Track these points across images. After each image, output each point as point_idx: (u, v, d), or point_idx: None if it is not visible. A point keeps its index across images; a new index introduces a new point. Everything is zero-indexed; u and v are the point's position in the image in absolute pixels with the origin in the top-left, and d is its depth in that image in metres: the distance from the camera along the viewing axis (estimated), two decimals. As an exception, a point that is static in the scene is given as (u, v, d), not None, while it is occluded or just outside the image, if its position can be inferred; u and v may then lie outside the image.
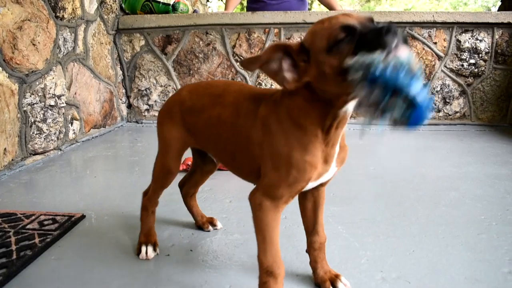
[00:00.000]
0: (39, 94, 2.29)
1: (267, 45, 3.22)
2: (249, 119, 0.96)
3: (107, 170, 2.15)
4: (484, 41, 3.14)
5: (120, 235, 1.36)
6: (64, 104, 2.54)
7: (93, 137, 2.89)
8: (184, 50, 3.33)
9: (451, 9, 13.36)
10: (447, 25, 3.14)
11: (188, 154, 1.32)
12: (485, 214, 1.52)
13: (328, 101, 0.80)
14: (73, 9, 2.62)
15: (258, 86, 3.33)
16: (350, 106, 0.79)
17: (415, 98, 0.63)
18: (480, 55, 3.17)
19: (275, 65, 0.81)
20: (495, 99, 3.25)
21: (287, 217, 1.45)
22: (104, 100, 3.09)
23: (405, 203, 1.64)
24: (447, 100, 3.28)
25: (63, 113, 2.53)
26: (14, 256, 1.19)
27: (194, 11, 3.85)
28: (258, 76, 3.32)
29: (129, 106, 3.49)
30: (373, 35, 0.68)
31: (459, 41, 3.16)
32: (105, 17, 3.11)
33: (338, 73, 0.72)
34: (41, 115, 2.31)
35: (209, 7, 6.88)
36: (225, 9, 3.48)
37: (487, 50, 3.16)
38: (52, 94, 2.40)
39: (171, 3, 3.34)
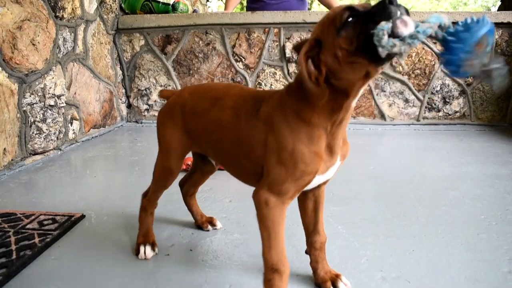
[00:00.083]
0: (39, 94, 2.28)
1: (266, 45, 3.23)
2: (250, 121, 0.96)
3: (107, 170, 2.15)
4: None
5: (120, 235, 1.36)
6: (64, 104, 2.54)
7: (93, 137, 2.89)
8: (184, 50, 3.33)
9: (451, 9, 13.37)
10: (447, 25, 3.13)
11: (188, 154, 1.32)
12: (485, 214, 1.52)
13: (342, 92, 0.82)
14: (72, 9, 2.61)
15: (258, 85, 3.33)
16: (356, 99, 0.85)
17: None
18: (480, 55, 3.16)
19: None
20: (494, 99, 3.25)
21: (287, 216, 1.44)
22: (104, 100, 3.09)
23: (405, 203, 1.64)
24: (447, 100, 3.28)
25: (62, 113, 2.53)
26: (14, 256, 1.19)
27: (194, 11, 3.85)
28: (258, 76, 3.32)
29: (129, 106, 3.49)
30: (377, 9, 0.71)
31: (459, 41, 3.15)
32: (105, 17, 3.11)
33: (350, 54, 0.74)
34: (41, 115, 2.31)
35: (208, 7, 6.88)
36: (225, 9, 3.47)
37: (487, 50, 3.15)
38: (52, 94, 2.40)
39: (171, 3, 3.33)
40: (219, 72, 3.34)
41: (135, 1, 3.31)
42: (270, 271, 0.91)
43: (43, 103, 2.32)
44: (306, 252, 1.08)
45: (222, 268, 1.15)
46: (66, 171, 2.12)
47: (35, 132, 2.26)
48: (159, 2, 3.32)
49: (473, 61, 0.69)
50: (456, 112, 3.31)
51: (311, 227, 1.06)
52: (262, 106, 0.94)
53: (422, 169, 2.10)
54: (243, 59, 3.30)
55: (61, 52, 2.51)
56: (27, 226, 1.39)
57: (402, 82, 3.26)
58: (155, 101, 3.43)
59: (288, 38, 3.23)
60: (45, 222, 1.42)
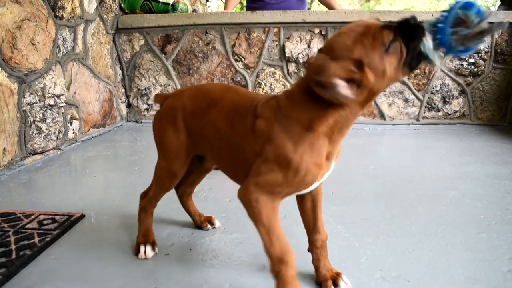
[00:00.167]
0: (39, 93, 2.28)
1: (266, 45, 3.23)
2: (243, 130, 0.96)
3: (106, 170, 2.15)
4: (484, 40, 3.13)
5: (120, 235, 1.36)
6: (64, 104, 2.54)
7: (92, 137, 2.89)
8: (184, 50, 3.32)
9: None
10: (447, 25, 3.13)
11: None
12: (485, 214, 1.52)
13: (363, 101, 0.84)
14: (72, 9, 2.61)
15: (257, 85, 3.32)
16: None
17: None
18: (480, 54, 3.17)
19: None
20: (494, 98, 3.25)
21: (287, 216, 1.45)
22: (103, 100, 3.09)
23: (405, 202, 1.64)
24: (447, 100, 3.28)
25: (62, 113, 2.53)
26: (14, 256, 1.19)
27: (194, 10, 3.85)
28: (257, 76, 3.32)
29: (129, 105, 3.49)
30: (413, 26, 0.80)
31: (459, 41, 3.15)
32: (105, 16, 3.10)
33: (398, 69, 0.81)
34: (41, 115, 2.31)
35: (208, 6, 6.88)
36: (225, 8, 3.47)
37: (487, 50, 3.16)
38: (52, 94, 2.40)
39: (171, 2, 3.33)
40: (219, 72, 3.34)
41: (135, 0, 3.31)
42: (277, 264, 0.91)
43: (42, 102, 2.32)
44: (309, 250, 1.08)
45: (222, 267, 1.15)
46: (66, 171, 2.12)
47: (34, 132, 2.26)
48: (158, 1, 3.31)
49: (462, 34, 0.80)
50: (456, 111, 3.31)
51: (311, 226, 1.06)
52: (257, 116, 0.93)
53: (422, 169, 2.10)
54: (243, 59, 3.30)
55: (61, 52, 2.51)
56: (27, 226, 1.39)
57: (402, 82, 3.26)
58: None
59: (288, 38, 3.23)
60: (45, 222, 1.42)
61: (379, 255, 1.21)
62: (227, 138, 1.00)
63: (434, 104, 3.30)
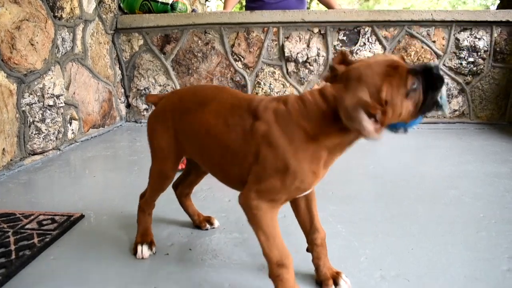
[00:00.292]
0: (38, 94, 2.28)
1: (265, 45, 3.23)
2: (241, 131, 0.96)
3: (106, 170, 2.15)
4: (483, 39, 3.14)
5: (119, 235, 1.36)
6: (63, 104, 2.54)
7: (92, 137, 2.88)
8: (183, 50, 3.32)
9: (449, 7, 13.39)
10: (446, 24, 3.14)
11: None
12: (485, 213, 1.52)
13: None
14: (71, 9, 2.61)
15: (257, 84, 3.32)
16: None
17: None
18: (479, 53, 3.17)
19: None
20: (494, 97, 3.25)
21: (286, 216, 1.44)
22: (103, 100, 3.09)
23: (405, 202, 1.64)
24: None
25: (61, 113, 2.53)
26: (13, 256, 1.19)
27: (193, 10, 3.85)
28: (257, 75, 3.32)
29: (128, 105, 3.49)
30: (434, 77, 0.83)
31: (458, 40, 3.16)
32: (104, 16, 3.10)
33: (411, 113, 0.85)
34: (40, 115, 2.31)
35: (207, 6, 6.88)
36: (224, 8, 3.47)
37: (486, 49, 3.16)
38: (51, 94, 2.40)
39: (170, 2, 3.33)
40: (218, 72, 3.34)
41: (134, 0, 3.31)
42: (276, 268, 0.92)
43: (42, 103, 2.32)
44: (308, 250, 1.09)
45: (221, 267, 1.15)
46: (65, 171, 2.11)
47: (34, 132, 2.26)
48: (157, 1, 3.31)
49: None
50: (455, 110, 3.31)
51: (308, 225, 1.06)
52: (257, 118, 0.94)
53: (422, 168, 2.10)
54: (242, 59, 3.30)
55: (60, 52, 2.51)
56: (26, 226, 1.39)
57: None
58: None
59: (287, 38, 3.23)
60: (44, 222, 1.42)
61: (379, 255, 1.21)
62: (220, 139, 1.00)
63: (434, 103, 3.29)
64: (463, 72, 3.22)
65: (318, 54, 3.25)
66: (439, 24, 3.14)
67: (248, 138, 0.94)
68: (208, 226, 1.39)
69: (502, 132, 3.00)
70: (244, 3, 3.72)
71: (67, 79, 2.60)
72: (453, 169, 2.07)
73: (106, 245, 1.29)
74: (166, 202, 1.51)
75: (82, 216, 1.50)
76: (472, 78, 3.23)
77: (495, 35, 3.13)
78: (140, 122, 3.45)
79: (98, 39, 3.03)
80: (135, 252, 1.21)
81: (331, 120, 0.86)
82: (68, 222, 1.42)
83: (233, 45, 3.29)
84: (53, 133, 2.44)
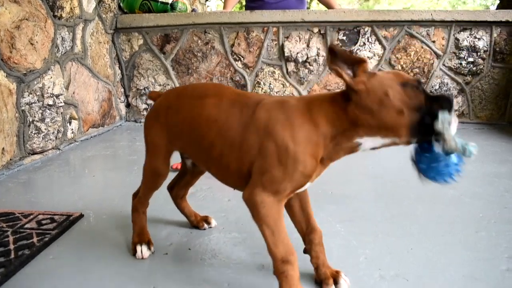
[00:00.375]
0: (37, 93, 2.28)
1: (265, 44, 3.23)
2: (243, 124, 0.97)
3: (105, 170, 2.15)
4: (483, 39, 3.14)
5: (119, 234, 1.36)
6: (63, 104, 2.54)
7: (91, 137, 2.88)
8: (183, 49, 3.32)
9: (449, 7, 13.39)
10: (446, 24, 3.14)
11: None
12: (484, 212, 1.52)
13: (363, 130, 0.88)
14: (71, 8, 2.61)
15: (256, 84, 3.32)
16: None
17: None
18: (479, 53, 3.17)
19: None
20: (493, 97, 3.25)
21: (285, 215, 1.44)
22: (102, 100, 3.09)
23: (404, 202, 1.64)
24: (446, 99, 3.27)
25: (61, 113, 2.53)
26: (12, 256, 1.18)
27: (193, 10, 3.85)
28: (256, 75, 3.32)
29: (128, 105, 3.48)
30: (444, 96, 0.85)
31: (458, 40, 3.16)
32: (103, 16, 3.10)
33: (407, 120, 0.83)
34: (40, 115, 2.31)
35: (207, 6, 6.87)
36: (224, 8, 3.47)
37: (486, 49, 3.16)
38: (51, 94, 2.40)
39: (169, 2, 3.33)
40: (218, 72, 3.34)
41: (134, 0, 3.31)
42: (282, 264, 0.92)
43: (41, 102, 2.32)
44: (305, 252, 1.08)
45: (221, 266, 1.15)
46: (65, 171, 2.11)
47: (33, 132, 2.26)
48: (157, 1, 3.31)
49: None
50: (455, 110, 3.30)
51: (304, 226, 1.07)
52: (257, 112, 0.95)
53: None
54: (242, 58, 3.30)
55: (60, 52, 2.51)
56: (26, 226, 1.39)
57: (401, 81, 3.26)
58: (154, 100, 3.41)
59: (287, 37, 3.23)
60: (44, 222, 1.42)
61: (378, 254, 1.21)
62: (219, 133, 1.00)
63: (433, 103, 3.29)
64: (462, 72, 3.22)
65: (318, 54, 3.25)
66: (438, 24, 3.14)
67: (249, 130, 0.95)
68: (205, 225, 1.39)
69: (501, 132, 3.00)
70: (244, 3, 3.72)
71: (67, 78, 2.60)
72: (452, 169, 2.07)
73: (105, 245, 1.29)
74: (165, 202, 1.51)
75: (81, 216, 1.50)
76: (471, 78, 3.23)
77: (495, 35, 3.13)
78: (140, 122, 3.45)
79: (98, 38, 3.03)
80: (134, 252, 1.21)
81: (338, 108, 0.89)
82: (68, 222, 1.42)
83: (233, 45, 3.29)
84: (53, 133, 2.44)
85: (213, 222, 1.40)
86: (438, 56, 3.21)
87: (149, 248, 1.22)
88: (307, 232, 1.06)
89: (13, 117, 2.09)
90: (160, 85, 3.40)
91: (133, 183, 1.88)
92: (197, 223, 1.39)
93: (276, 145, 0.89)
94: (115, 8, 3.26)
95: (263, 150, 0.91)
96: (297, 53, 3.25)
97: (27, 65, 2.19)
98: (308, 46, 3.24)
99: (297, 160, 0.88)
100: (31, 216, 1.46)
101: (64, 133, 2.57)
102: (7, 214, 1.48)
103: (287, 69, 3.29)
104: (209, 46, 3.30)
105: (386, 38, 3.20)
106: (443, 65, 3.22)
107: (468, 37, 3.15)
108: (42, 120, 2.33)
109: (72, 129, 2.66)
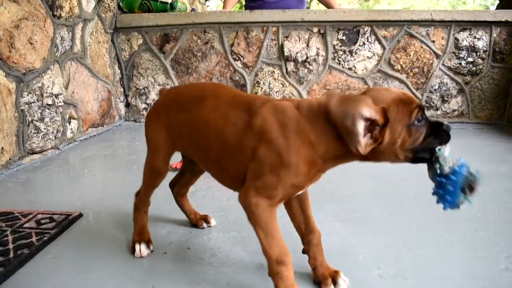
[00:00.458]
0: (37, 93, 2.28)
1: (265, 44, 3.23)
2: (240, 128, 0.97)
3: (105, 169, 2.15)
4: (482, 39, 3.14)
5: (118, 234, 1.36)
6: (62, 103, 2.54)
7: (91, 136, 2.88)
8: (182, 49, 3.32)
9: (449, 7, 13.39)
10: (445, 24, 3.14)
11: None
12: (482, 212, 1.52)
13: (363, 156, 0.86)
14: (70, 8, 2.61)
15: (256, 84, 3.32)
16: None
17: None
18: (478, 53, 3.17)
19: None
20: (493, 97, 3.25)
21: (284, 215, 1.45)
22: (102, 99, 3.09)
23: (403, 201, 1.64)
24: (445, 99, 3.28)
25: (60, 112, 2.53)
26: (11, 255, 1.19)
27: (192, 9, 3.85)
28: (256, 75, 3.32)
29: (127, 105, 3.49)
30: (444, 129, 0.87)
31: (457, 40, 3.16)
32: (103, 15, 3.10)
33: (405, 148, 0.85)
34: (39, 114, 2.31)
35: (207, 6, 6.87)
36: (223, 7, 3.47)
37: (485, 49, 3.16)
38: (50, 93, 2.40)
39: (169, 1, 3.33)
40: (218, 71, 3.34)
41: (133, 0, 3.31)
42: (276, 265, 0.92)
43: (41, 102, 2.32)
44: (304, 252, 1.09)
45: (220, 266, 1.16)
46: (64, 170, 2.11)
47: (33, 131, 2.26)
48: (157, 1, 3.31)
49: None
50: (454, 110, 3.31)
51: (303, 227, 1.07)
52: (254, 116, 0.95)
53: (421, 168, 2.09)
54: (242, 58, 3.30)
55: (59, 51, 2.51)
56: (25, 225, 1.39)
57: (401, 81, 3.27)
58: (153, 100, 3.42)
59: (287, 37, 3.23)
60: (43, 221, 1.42)
61: (377, 253, 1.21)
62: (217, 135, 1.01)
63: (433, 103, 3.30)
64: (462, 72, 3.22)
65: (317, 54, 3.25)
66: (438, 24, 3.15)
67: (247, 133, 0.95)
68: (204, 224, 1.39)
69: (501, 132, 3.01)
70: (243, 3, 3.72)
71: (66, 78, 2.60)
72: (451, 169, 2.07)
73: (105, 244, 1.29)
74: (164, 201, 1.51)
75: (80, 215, 1.50)
76: (471, 78, 3.23)
77: (494, 35, 3.13)
78: (140, 122, 3.45)
79: (97, 38, 3.03)
80: (133, 251, 1.21)
81: (333, 128, 0.86)
82: (67, 221, 1.42)
83: (232, 45, 3.29)
84: (52, 132, 2.44)
85: (213, 222, 1.41)
86: (437, 56, 3.21)
87: (148, 247, 1.22)
88: (306, 233, 1.06)
89: (12, 117, 2.09)
90: (159, 84, 3.40)
91: (133, 182, 1.88)
92: (196, 221, 1.39)
93: (271, 152, 0.90)
94: (114, 7, 3.26)
95: (258, 155, 0.92)
96: (297, 52, 3.25)
97: (27, 64, 2.19)
98: (307, 45, 3.24)
99: (290, 170, 0.89)
100: (30, 216, 1.46)
101: (64, 133, 2.57)
102: (6, 213, 1.48)
103: (286, 69, 3.30)
104: (209, 46, 3.30)
105: (386, 38, 3.20)
106: (443, 65, 3.22)
107: (467, 37, 3.15)
108: (42, 119, 2.33)
109: (72, 128, 2.66)
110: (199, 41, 3.30)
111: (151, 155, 1.21)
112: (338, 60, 3.26)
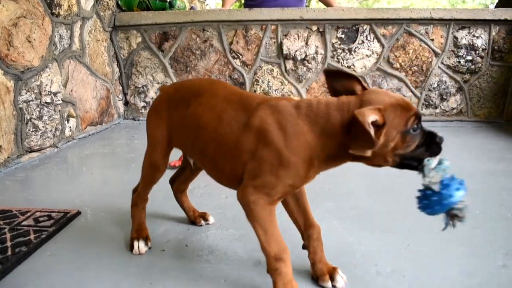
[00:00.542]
0: (35, 91, 2.28)
1: (264, 42, 3.22)
2: (237, 127, 0.97)
3: (103, 167, 2.15)
4: (481, 37, 3.14)
5: (116, 231, 1.36)
6: (60, 101, 2.54)
7: (89, 135, 2.88)
8: (181, 47, 3.32)
9: (448, 6, 13.39)
10: (444, 22, 3.14)
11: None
12: (480, 209, 1.53)
13: (355, 157, 0.88)
14: (69, 6, 2.61)
15: (255, 82, 3.32)
16: None
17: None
18: (477, 51, 3.17)
19: None
20: (491, 95, 3.25)
21: (282, 212, 1.45)
22: (100, 97, 3.08)
23: (401, 198, 1.64)
24: (444, 97, 3.28)
25: (59, 110, 2.53)
26: (9, 253, 1.19)
27: (191, 7, 3.85)
28: (255, 73, 3.32)
29: (126, 103, 3.48)
30: (437, 142, 0.91)
31: (456, 38, 3.16)
32: (102, 14, 3.10)
33: (396, 153, 0.87)
34: (37, 112, 2.31)
35: (206, 4, 6.87)
36: (222, 5, 3.47)
37: (484, 47, 3.16)
38: (48, 91, 2.40)
39: (168, 0, 3.33)
40: (216, 69, 3.34)
41: (132, -2, 3.31)
42: (275, 262, 0.93)
43: (39, 100, 2.32)
44: (304, 247, 1.09)
45: (218, 263, 1.16)
46: (63, 169, 2.11)
47: (31, 130, 2.26)
48: (156, -1, 3.31)
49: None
50: (453, 108, 3.31)
51: (302, 222, 1.07)
52: (252, 116, 0.95)
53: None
54: (241, 56, 3.30)
55: (58, 49, 2.51)
56: (23, 223, 1.39)
57: (400, 79, 3.27)
58: (152, 98, 3.42)
59: (286, 35, 3.23)
60: (41, 219, 1.42)
61: (375, 250, 1.21)
62: (213, 134, 1.01)
63: (432, 101, 3.30)
64: (461, 70, 3.22)
65: (316, 52, 3.25)
66: (437, 23, 3.14)
67: (243, 133, 0.95)
68: (203, 222, 1.39)
69: (499, 130, 3.01)
70: (242, 1, 3.72)
71: (65, 76, 2.60)
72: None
73: (103, 242, 1.29)
74: (163, 199, 1.52)
75: (78, 213, 1.50)
76: (470, 77, 3.23)
77: (494, 33, 3.13)
78: (138, 120, 3.45)
79: (96, 36, 3.03)
80: (131, 248, 1.21)
81: (336, 130, 0.87)
82: (65, 219, 1.42)
83: (231, 43, 3.29)
84: (51, 131, 2.44)
85: (211, 219, 1.41)
86: (436, 54, 3.21)
87: (146, 244, 1.22)
88: (305, 227, 1.07)
89: (10, 115, 2.09)
90: (158, 83, 3.39)
91: (131, 180, 1.88)
92: (194, 218, 1.39)
93: (270, 153, 0.90)
94: (113, 5, 3.25)
95: (257, 155, 0.92)
96: (296, 51, 3.24)
97: (25, 62, 2.19)
98: (306, 44, 3.24)
99: (289, 170, 0.90)
100: (28, 214, 1.46)
101: (62, 131, 2.57)
102: (5, 211, 1.48)
103: (285, 67, 3.29)
104: (208, 44, 3.30)
105: (385, 36, 3.20)
106: (442, 63, 3.22)
107: (466, 35, 3.15)
108: (40, 118, 2.33)
109: (70, 127, 2.66)
110: (198, 39, 3.29)
111: (151, 150, 1.21)
112: (337, 58, 3.26)
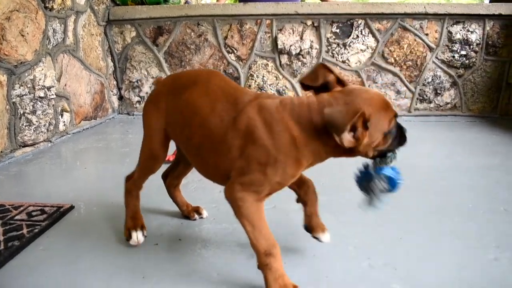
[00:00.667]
0: (28, 85, 2.26)
1: (259, 37, 3.21)
2: (224, 120, 0.97)
3: (97, 162, 2.14)
4: (475, 32, 3.15)
5: (109, 225, 1.36)
6: (54, 96, 2.52)
7: (83, 129, 2.87)
8: (176, 42, 3.31)
9: (443, 1, 13.39)
10: (439, 17, 3.14)
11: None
12: (474, 203, 1.54)
13: (342, 152, 0.92)
14: (62, 0, 2.59)
15: (250, 77, 3.32)
16: None
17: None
18: (471, 46, 3.18)
19: None
20: (486, 90, 3.27)
21: (276, 207, 1.45)
22: (95, 92, 3.07)
23: (395, 192, 1.64)
24: (438, 91, 3.29)
25: (53, 105, 2.51)
26: (2, 247, 1.18)
27: (186, 2, 3.83)
28: (250, 68, 3.31)
29: (121, 98, 3.47)
30: (404, 134, 0.97)
31: (451, 33, 3.16)
32: (96, 8, 3.08)
33: (377, 149, 0.92)
34: (31, 107, 2.29)
35: (201, -1, 6.82)
36: (217, 0, 3.45)
37: (478, 42, 3.17)
38: (42, 86, 2.38)
39: (162, -6, 3.31)
40: (211, 64, 3.33)
41: (126, -8, 3.28)
42: (264, 257, 0.94)
43: (32, 94, 2.30)
44: (298, 201, 1.15)
45: (211, 256, 1.16)
46: (56, 163, 2.10)
47: (24, 124, 2.24)
48: (150, -7, 3.29)
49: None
50: (447, 103, 3.32)
51: (295, 183, 1.11)
52: (240, 113, 0.95)
53: (413, 160, 2.10)
54: (235, 51, 3.29)
55: (51, 44, 2.49)
56: (16, 217, 1.38)
57: (394, 74, 3.27)
58: (146, 93, 3.41)
59: (280, 30, 3.22)
60: (34, 213, 1.41)
61: (368, 244, 1.22)
62: (203, 122, 1.01)
63: (426, 95, 3.31)
64: (455, 65, 3.23)
65: (311, 47, 3.25)
66: (432, 17, 3.15)
67: (231, 130, 0.95)
68: (196, 216, 1.39)
69: (493, 125, 3.02)
70: (237, -5, 3.70)
71: (59, 70, 2.58)
72: (444, 161, 2.09)
73: (96, 235, 1.29)
74: (156, 193, 1.51)
75: (72, 207, 1.50)
76: (464, 71, 3.24)
77: (488, 28, 3.13)
78: (133, 114, 3.44)
79: (90, 30, 3.01)
80: (127, 236, 1.21)
81: (318, 128, 0.89)
82: (58, 213, 1.42)
83: (226, 37, 3.27)
84: (44, 125, 2.42)
85: (204, 213, 1.41)
86: (431, 49, 3.21)
87: (143, 234, 1.21)
88: (300, 185, 1.11)
89: (3, 109, 2.08)
90: (153, 77, 3.38)
91: (125, 175, 1.87)
92: (188, 213, 1.39)
93: (257, 151, 0.91)
94: (107, 0, 3.23)
95: (244, 154, 0.93)
96: (291, 45, 3.24)
97: (18, 57, 2.17)
98: (301, 38, 3.23)
99: (276, 168, 0.91)
100: (21, 208, 1.46)
101: (56, 126, 2.56)
102: (-3, 205, 1.48)
103: (280, 62, 3.29)
104: (202, 39, 3.28)
105: (380, 31, 3.19)
106: (436, 58, 3.23)
107: (461, 30, 3.15)
108: (33, 112, 2.32)
109: (64, 121, 2.65)
110: (192, 33, 3.28)
111: (149, 139, 1.19)
112: (332, 53, 3.25)
